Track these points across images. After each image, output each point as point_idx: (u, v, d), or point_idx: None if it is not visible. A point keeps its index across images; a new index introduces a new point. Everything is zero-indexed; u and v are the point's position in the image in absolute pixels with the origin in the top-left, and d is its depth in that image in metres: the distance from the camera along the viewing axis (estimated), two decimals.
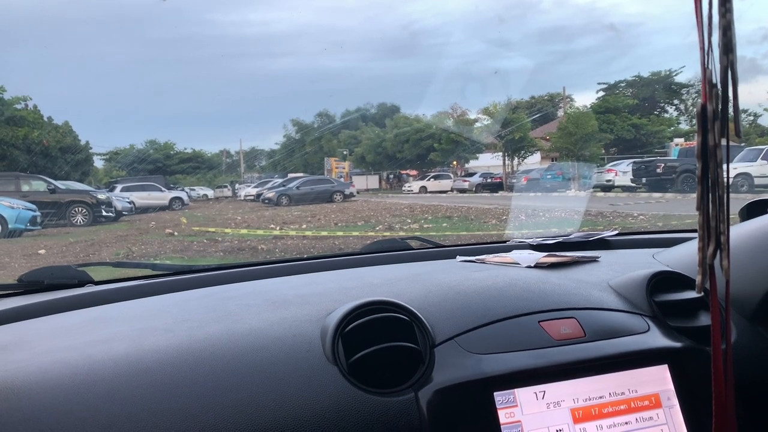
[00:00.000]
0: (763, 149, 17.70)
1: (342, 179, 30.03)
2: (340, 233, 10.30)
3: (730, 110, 0.63)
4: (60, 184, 16.99)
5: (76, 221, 15.59)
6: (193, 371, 0.86)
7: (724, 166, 0.64)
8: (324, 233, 10.40)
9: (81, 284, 1.35)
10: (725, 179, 0.65)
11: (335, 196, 24.62)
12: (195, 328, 0.98)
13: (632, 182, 20.39)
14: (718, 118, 0.63)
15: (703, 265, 0.67)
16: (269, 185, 27.50)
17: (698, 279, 0.67)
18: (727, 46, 0.61)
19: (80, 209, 15.92)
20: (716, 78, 0.62)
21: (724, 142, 0.63)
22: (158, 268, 1.57)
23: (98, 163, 34.58)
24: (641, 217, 11.42)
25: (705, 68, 0.63)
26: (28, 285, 1.34)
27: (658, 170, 19.55)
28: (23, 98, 22.90)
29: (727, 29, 0.61)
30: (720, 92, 0.62)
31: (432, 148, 33.01)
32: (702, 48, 0.62)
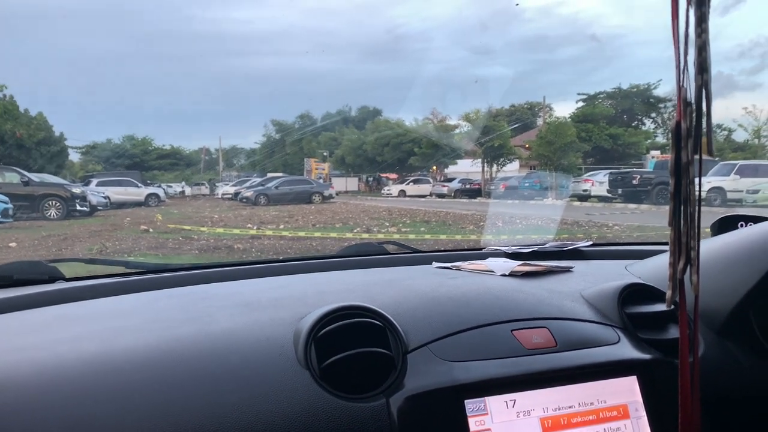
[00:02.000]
0: (736, 164, 18.04)
1: (321, 180, 29.99)
2: (317, 234, 10.28)
3: (704, 128, 0.64)
4: (34, 177, 16.71)
5: (50, 215, 15.35)
6: (162, 372, 0.85)
7: (697, 183, 0.65)
8: (301, 234, 10.36)
9: (51, 280, 1.32)
10: (697, 196, 0.66)
11: (314, 197, 24.55)
12: (166, 328, 0.97)
13: (608, 193, 20.64)
14: (691, 136, 0.64)
15: (673, 280, 0.68)
16: (248, 184, 27.34)
17: (668, 293, 0.68)
18: (702, 66, 0.62)
19: (54, 203, 15.68)
20: (691, 96, 0.63)
21: (697, 158, 0.65)
22: (131, 266, 1.55)
23: (74, 156, 34.14)
24: (616, 227, 11.56)
25: (680, 86, 0.64)
26: None
27: (634, 182, 19.83)
28: None
29: (702, 49, 0.62)
30: (694, 110, 0.63)
31: (412, 152, 33.10)
32: (678, 66, 0.63)
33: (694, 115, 0.63)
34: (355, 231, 11.68)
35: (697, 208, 0.66)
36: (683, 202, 0.66)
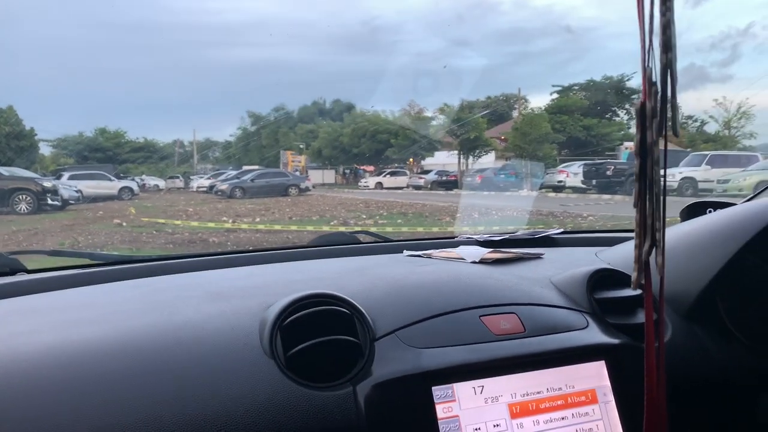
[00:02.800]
0: (707, 155, 18.32)
1: (298, 173, 29.82)
2: (294, 227, 10.22)
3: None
4: (3, 170, 16.38)
5: (20, 209, 15.05)
6: (122, 363, 0.83)
7: (662, 165, 0.65)
8: (277, 227, 10.30)
9: (12, 272, 1.29)
10: (662, 177, 0.65)
11: (290, 189, 24.39)
12: (126, 319, 0.94)
13: (583, 183, 20.84)
14: (656, 116, 0.63)
15: (639, 262, 0.67)
16: (223, 177, 27.08)
17: (634, 275, 0.68)
18: (667, 45, 0.61)
19: (24, 197, 15.37)
20: (656, 77, 0.62)
21: (662, 141, 0.64)
22: (96, 257, 1.51)
23: (45, 149, 33.47)
24: (590, 217, 11.68)
25: (645, 67, 0.63)
26: None
27: (608, 172, 20.05)
28: None
29: (666, 27, 0.61)
30: (659, 90, 0.62)
31: (389, 145, 33.08)
32: (643, 46, 0.63)
33: (659, 95, 0.62)
34: (332, 224, 11.64)
35: (662, 189, 0.65)
36: (648, 184, 0.65)
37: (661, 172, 0.65)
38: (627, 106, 40.51)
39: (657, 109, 0.63)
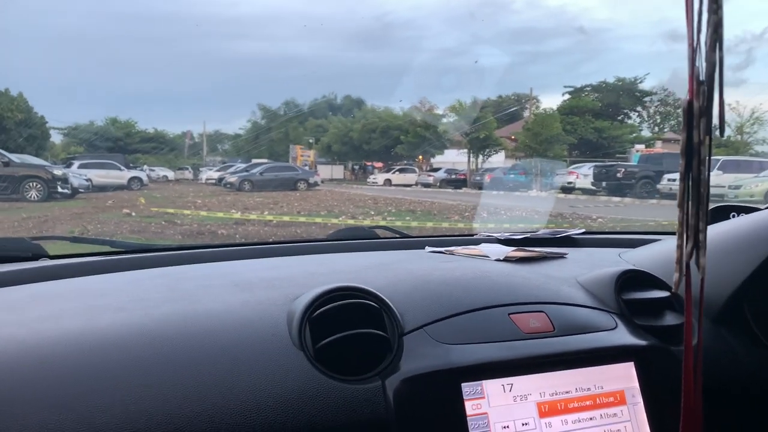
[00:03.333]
0: (719, 160, 18.21)
1: (307, 167, 29.83)
2: (302, 220, 10.22)
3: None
4: (15, 158, 16.44)
5: (30, 196, 15.12)
6: (146, 351, 0.82)
7: (708, 165, 0.64)
8: (286, 219, 10.30)
9: (35, 258, 1.29)
10: (707, 177, 0.64)
11: (299, 184, 24.41)
12: (151, 307, 0.94)
13: (593, 185, 20.77)
14: (704, 115, 0.62)
15: (680, 263, 0.66)
16: (232, 170, 27.13)
17: (675, 276, 0.67)
18: (718, 44, 0.60)
19: (35, 184, 15.44)
20: (703, 75, 0.62)
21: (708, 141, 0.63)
22: (117, 245, 1.51)
23: (56, 137, 33.64)
24: (600, 219, 11.63)
25: (693, 65, 0.62)
26: None
27: (619, 175, 19.96)
28: None
29: (717, 26, 0.60)
30: (706, 90, 0.62)
31: (399, 141, 33.02)
32: (690, 44, 0.62)
33: (706, 94, 0.62)
34: (341, 219, 11.64)
35: (707, 189, 0.65)
36: (693, 184, 0.64)
37: (706, 172, 0.64)
38: (639, 108, 40.31)
39: (704, 109, 0.62)
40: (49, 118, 27.00)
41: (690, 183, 0.65)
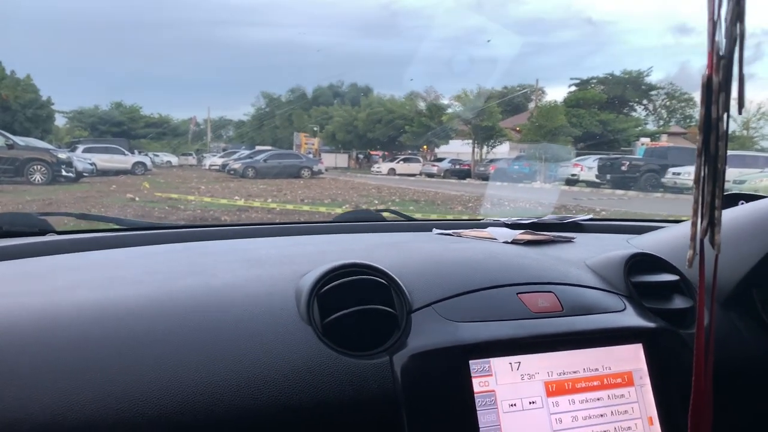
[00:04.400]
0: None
1: (311, 155, 29.79)
2: (306, 208, 10.21)
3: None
4: (19, 140, 16.44)
5: (34, 179, 15.13)
6: (163, 323, 0.82)
7: (726, 141, 0.63)
8: (290, 207, 10.30)
9: (42, 233, 1.29)
10: (725, 154, 0.64)
11: (303, 171, 24.38)
12: (166, 280, 0.94)
13: (597, 178, 20.69)
14: (723, 90, 0.62)
15: (694, 240, 0.66)
16: (236, 156, 27.11)
17: (689, 253, 0.66)
18: (739, 16, 0.60)
19: (39, 167, 15.45)
20: (722, 49, 0.61)
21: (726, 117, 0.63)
22: (123, 222, 1.52)
23: (61, 121, 33.65)
24: (603, 212, 11.61)
25: (713, 39, 0.61)
26: None
27: (623, 168, 19.87)
28: None
29: None
30: (726, 64, 0.61)
31: (403, 130, 32.95)
32: (711, 18, 0.61)
33: (726, 68, 0.61)
34: (345, 207, 11.64)
35: (725, 166, 0.64)
36: (711, 160, 0.64)
37: (724, 148, 0.64)
38: (645, 101, 40.14)
39: (723, 84, 0.62)
40: (55, 101, 27.02)
41: (707, 160, 0.64)
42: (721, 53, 0.61)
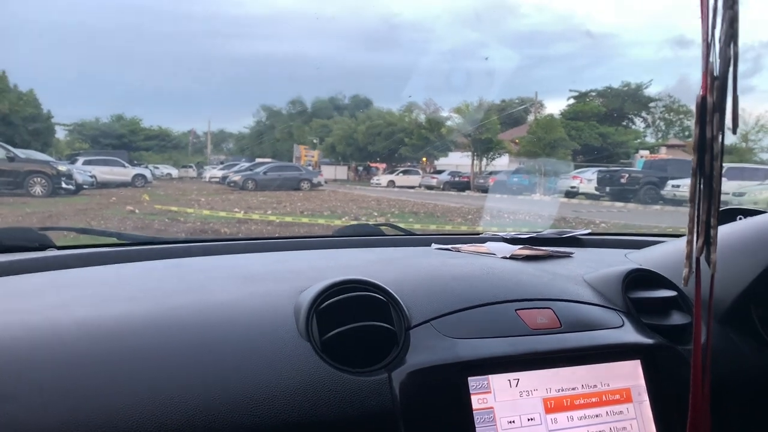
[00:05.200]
0: (723, 167, 18.12)
1: (311, 168, 29.84)
2: (305, 220, 10.21)
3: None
4: (20, 153, 16.48)
5: (35, 192, 15.15)
6: (158, 340, 0.82)
7: (721, 160, 0.64)
8: (289, 219, 10.30)
9: (42, 248, 1.29)
10: (719, 173, 0.65)
11: (303, 184, 24.42)
12: (161, 297, 0.95)
13: (596, 190, 20.71)
14: (717, 111, 0.62)
15: (690, 258, 0.66)
16: (236, 168, 27.16)
17: (685, 272, 0.67)
18: (733, 39, 0.60)
19: (39, 179, 15.47)
20: (717, 70, 0.62)
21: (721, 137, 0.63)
22: (124, 237, 1.52)
23: (61, 133, 33.74)
24: (603, 225, 11.61)
25: (707, 60, 0.62)
26: None
27: (622, 180, 19.91)
28: None
29: (733, 21, 0.60)
30: (720, 85, 0.62)
31: (403, 143, 33.02)
32: (705, 39, 0.62)
33: (720, 89, 0.62)
34: (344, 219, 11.64)
35: (720, 186, 0.65)
36: (706, 180, 0.64)
37: (719, 167, 0.64)
38: (644, 114, 40.26)
39: (717, 104, 0.62)
40: (55, 114, 27.12)
41: (702, 178, 0.65)
42: (715, 74, 0.62)
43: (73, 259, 1.18)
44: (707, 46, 0.62)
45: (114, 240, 1.48)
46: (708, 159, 0.64)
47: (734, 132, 0.66)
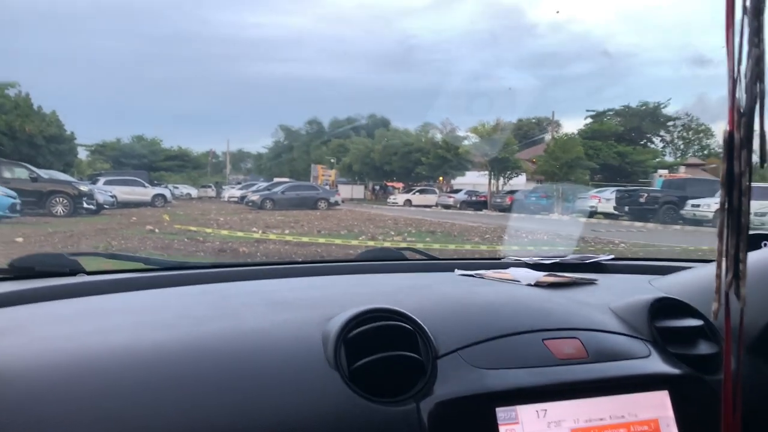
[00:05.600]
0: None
1: (328, 187, 30.00)
2: (321, 240, 10.24)
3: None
4: (42, 173, 16.78)
5: (57, 211, 15.40)
6: (193, 368, 0.84)
7: (749, 196, 0.65)
8: (305, 239, 10.34)
9: (72, 273, 1.32)
10: (747, 208, 0.65)
11: (320, 203, 24.56)
12: (196, 324, 0.96)
13: (615, 210, 20.57)
14: (744, 147, 0.63)
15: (719, 293, 0.67)
16: (254, 188, 27.40)
17: (714, 306, 0.67)
18: (759, 76, 0.61)
19: (61, 199, 15.73)
20: (743, 106, 0.62)
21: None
22: (151, 262, 1.54)
23: (83, 154, 34.28)
24: (622, 244, 11.51)
25: (734, 96, 0.63)
26: (19, 270, 1.31)
27: (641, 200, 19.77)
28: (12, 84, 22.67)
29: (759, 60, 0.61)
30: (747, 121, 0.62)
31: (419, 162, 33.11)
32: (731, 76, 0.63)
33: (747, 125, 0.62)
34: (360, 238, 11.67)
35: (748, 220, 0.65)
36: (734, 215, 0.65)
37: (747, 202, 0.65)
38: (662, 133, 40.02)
39: (745, 140, 0.63)
40: (77, 134, 27.60)
41: (730, 213, 0.65)
42: (741, 110, 0.63)
43: (105, 285, 1.20)
44: (733, 83, 0.63)
45: (141, 265, 1.51)
46: (736, 194, 0.65)
47: (762, 166, 0.66)
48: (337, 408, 0.83)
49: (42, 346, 0.87)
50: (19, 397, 0.76)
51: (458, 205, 28.45)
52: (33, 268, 1.31)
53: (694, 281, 1.29)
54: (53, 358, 0.84)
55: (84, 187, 16.94)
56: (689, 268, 1.47)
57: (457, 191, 31.37)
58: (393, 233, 12.99)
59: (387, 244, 10.70)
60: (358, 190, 37.46)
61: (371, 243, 10.77)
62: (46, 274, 1.30)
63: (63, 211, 15.47)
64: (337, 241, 10.45)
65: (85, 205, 16.03)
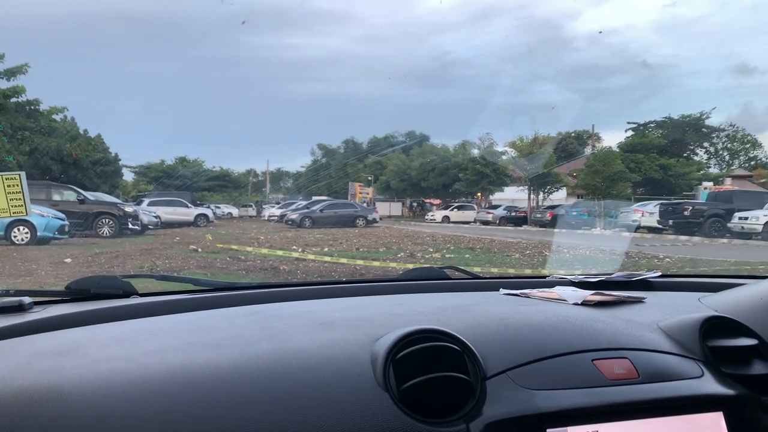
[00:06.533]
0: None
1: (365, 204, 30.12)
2: (360, 262, 10.23)
3: None
4: (89, 195, 17.29)
5: (103, 232, 15.83)
6: (245, 388, 0.86)
7: None
8: (343, 260, 10.37)
9: (126, 295, 1.36)
10: None
11: (358, 220, 24.69)
12: (246, 344, 0.98)
13: (659, 223, 20.13)
14: None
15: None
16: (293, 207, 27.68)
17: None
18: None
19: (107, 221, 16.16)
20: None
21: None
22: (200, 283, 1.58)
23: (128, 176, 35.19)
24: (667, 259, 11.24)
25: None
26: (75, 293, 1.36)
27: (686, 213, 19.29)
28: (60, 109, 23.48)
29: None
30: None
31: (457, 178, 32.99)
32: None
33: None
34: (399, 256, 11.65)
35: None
36: None
37: None
38: (705, 144, 39.09)
39: None
40: (122, 157, 28.39)
41: None
42: None
43: (159, 307, 1.24)
44: None
45: (190, 286, 1.54)
46: None
47: None
48: (389, 428, 0.83)
49: (103, 367, 0.90)
50: (82, 418, 0.79)
51: (497, 221, 28.23)
52: (89, 290, 1.36)
53: (747, 298, 1.26)
54: (114, 378, 0.86)
55: (129, 208, 17.39)
56: (739, 284, 1.43)
57: (495, 207, 31.14)
58: (432, 250, 12.95)
59: (424, 262, 10.67)
60: (395, 207, 37.53)
61: (410, 262, 10.73)
62: (101, 296, 1.35)
63: (109, 232, 15.89)
64: (375, 263, 10.42)
65: (130, 226, 16.44)
